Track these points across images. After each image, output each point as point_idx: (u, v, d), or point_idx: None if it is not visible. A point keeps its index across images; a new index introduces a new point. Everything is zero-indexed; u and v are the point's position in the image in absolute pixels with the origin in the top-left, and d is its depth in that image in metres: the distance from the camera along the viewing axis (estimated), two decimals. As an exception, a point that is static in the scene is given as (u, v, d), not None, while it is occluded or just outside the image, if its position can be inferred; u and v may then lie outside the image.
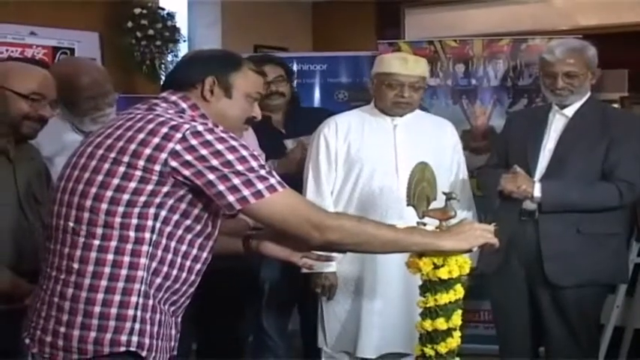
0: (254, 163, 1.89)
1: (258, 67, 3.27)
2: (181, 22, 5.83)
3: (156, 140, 1.86)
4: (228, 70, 2.08)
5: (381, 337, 3.21)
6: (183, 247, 1.96)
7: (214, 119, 2.01)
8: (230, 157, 1.87)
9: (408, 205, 2.92)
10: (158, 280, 1.93)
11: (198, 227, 1.97)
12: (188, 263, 1.99)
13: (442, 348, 2.67)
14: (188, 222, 1.95)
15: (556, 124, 3.32)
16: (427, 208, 2.92)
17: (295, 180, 3.27)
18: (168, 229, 1.92)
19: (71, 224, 1.90)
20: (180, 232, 1.94)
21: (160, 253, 1.92)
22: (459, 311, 2.72)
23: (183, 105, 2.02)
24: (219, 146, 1.87)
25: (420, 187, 2.94)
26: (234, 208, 1.88)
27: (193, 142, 1.86)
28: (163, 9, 5.57)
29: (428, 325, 2.67)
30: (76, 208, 1.90)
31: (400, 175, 3.17)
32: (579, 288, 3.19)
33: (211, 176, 1.86)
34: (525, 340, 3.38)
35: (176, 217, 1.92)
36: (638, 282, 4.23)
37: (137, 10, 5.36)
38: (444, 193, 2.88)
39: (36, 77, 2.49)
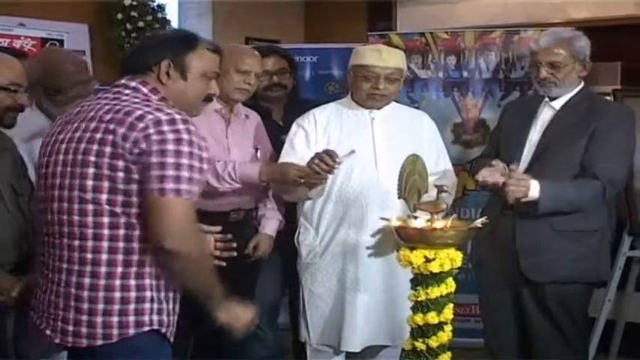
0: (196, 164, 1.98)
1: (263, 57, 3.30)
2: (172, 14, 5.79)
3: (134, 134, 1.94)
4: (183, 51, 2.12)
5: (365, 331, 3.19)
6: None
7: (173, 100, 2.09)
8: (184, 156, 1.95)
9: (399, 198, 2.92)
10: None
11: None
12: None
13: (433, 342, 2.67)
14: None
15: (543, 116, 3.24)
16: (418, 201, 2.92)
17: None
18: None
19: (76, 218, 1.98)
20: None
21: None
22: (451, 305, 2.71)
23: (144, 90, 2.07)
24: (185, 148, 1.94)
25: (412, 179, 2.93)
26: (154, 195, 1.94)
27: (165, 129, 1.93)
28: (154, 1, 5.53)
29: (419, 318, 2.66)
30: (78, 203, 1.98)
31: (380, 168, 3.17)
32: (558, 285, 3.12)
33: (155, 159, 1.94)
34: (510, 334, 3.32)
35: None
36: (629, 276, 4.23)
37: (127, 2, 5.34)
38: (436, 186, 2.88)
39: (12, 67, 2.49)
